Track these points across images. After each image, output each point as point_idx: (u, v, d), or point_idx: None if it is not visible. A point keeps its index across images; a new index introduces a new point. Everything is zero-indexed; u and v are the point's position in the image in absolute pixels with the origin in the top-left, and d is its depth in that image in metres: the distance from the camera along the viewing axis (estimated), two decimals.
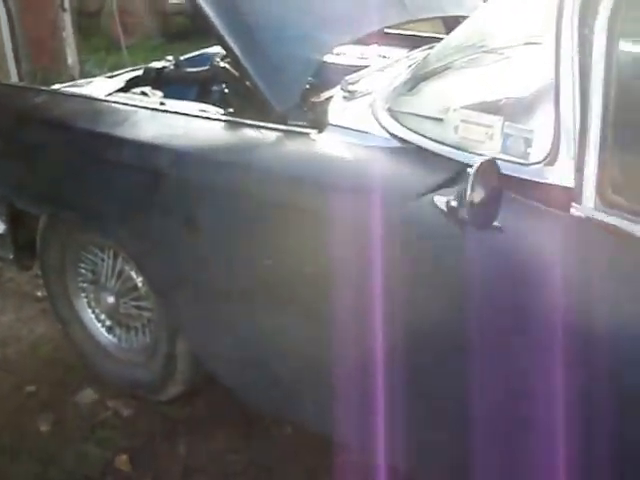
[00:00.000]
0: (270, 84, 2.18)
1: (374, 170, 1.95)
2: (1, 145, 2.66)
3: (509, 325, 1.68)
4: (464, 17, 2.97)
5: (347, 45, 2.77)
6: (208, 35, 2.34)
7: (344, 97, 2.31)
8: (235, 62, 2.27)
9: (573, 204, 1.63)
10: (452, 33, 2.41)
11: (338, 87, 2.38)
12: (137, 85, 2.94)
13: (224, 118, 2.29)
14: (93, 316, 2.88)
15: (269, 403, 2.34)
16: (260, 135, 2.14)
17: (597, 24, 1.59)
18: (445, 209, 1.71)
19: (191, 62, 3.15)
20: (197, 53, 3.28)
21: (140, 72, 3.12)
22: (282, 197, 1.98)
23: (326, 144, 2.06)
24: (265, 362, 2.24)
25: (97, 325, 2.88)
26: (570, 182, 1.65)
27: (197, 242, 2.17)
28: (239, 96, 2.40)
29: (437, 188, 1.80)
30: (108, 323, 2.86)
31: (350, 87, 2.33)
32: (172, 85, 2.96)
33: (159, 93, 2.85)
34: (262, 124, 2.16)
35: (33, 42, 6.06)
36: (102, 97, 2.64)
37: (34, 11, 6.01)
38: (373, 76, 2.45)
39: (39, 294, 3.54)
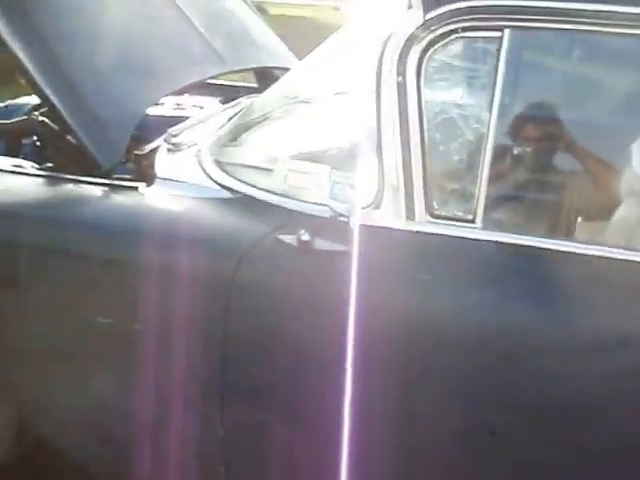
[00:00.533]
0: (94, 139, 2.15)
1: (206, 221, 1.96)
2: None
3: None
4: (278, 68, 3.09)
5: (166, 96, 2.77)
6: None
7: (168, 149, 2.31)
8: (57, 116, 2.20)
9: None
10: (274, 85, 2.48)
11: (161, 139, 2.37)
12: None
13: (45, 174, 2.21)
14: None
15: (103, 463, 2.25)
16: (86, 191, 2.09)
17: (408, 71, 1.72)
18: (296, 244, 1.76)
19: None
20: (5, 104, 3.15)
21: None
22: (113, 253, 1.94)
23: (155, 197, 2.05)
24: (98, 421, 2.17)
25: None
26: (395, 224, 1.76)
27: (23, 304, 2.07)
28: (59, 150, 2.33)
29: (270, 235, 1.84)
30: None
31: (174, 139, 2.33)
32: None
33: None
34: (88, 179, 2.12)
35: None
36: None
37: None
38: (196, 128, 2.46)
39: None
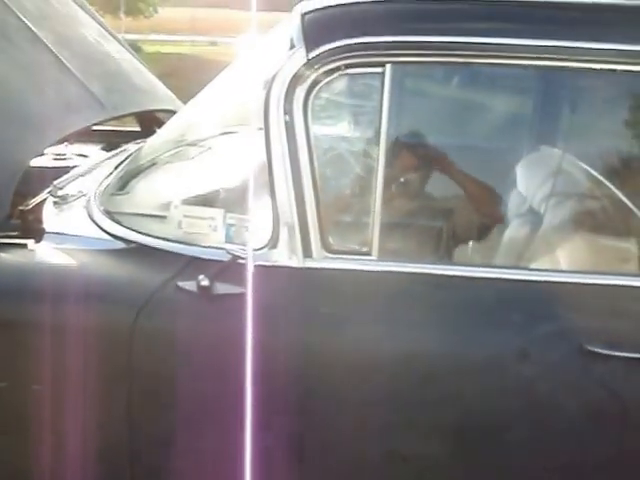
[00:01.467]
0: None
1: (101, 274, 1.92)
2: None
3: None
4: (159, 111, 3.07)
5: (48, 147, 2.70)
6: None
7: (55, 202, 2.25)
8: None
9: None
10: (161, 129, 2.46)
11: (46, 192, 2.31)
12: None
13: None
14: None
15: None
16: None
17: (295, 110, 1.74)
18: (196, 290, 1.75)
19: None
20: None
21: None
22: (5, 314, 1.86)
23: (45, 253, 1.98)
24: None
25: None
26: (292, 262, 1.78)
27: None
28: None
29: (168, 282, 1.82)
30: None
31: (60, 192, 2.28)
32: None
33: None
34: None
35: None
36: None
37: None
38: (82, 178, 2.42)
39: None
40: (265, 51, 2.36)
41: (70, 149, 2.96)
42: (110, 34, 3.48)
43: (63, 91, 2.70)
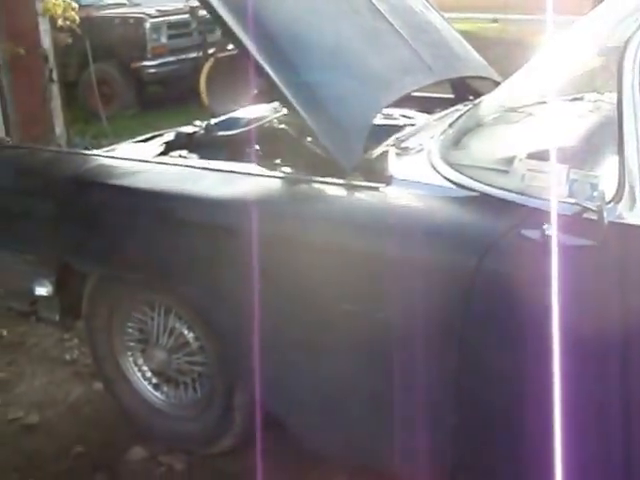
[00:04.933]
0: (336, 144, 2.32)
1: (447, 217, 2.09)
2: (57, 208, 2.72)
3: None
4: (482, 78, 3.20)
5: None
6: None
7: (397, 153, 2.45)
8: (301, 124, 2.39)
9: None
10: (493, 92, 2.59)
11: (385, 145, 2.52)
12: (172, 149, 3.07)
13: (291, 175, 2.40)
14: (140, 374, 2.93)
15: (331, 447, 2.41)
16: (330, 190, 2.26)
17: None
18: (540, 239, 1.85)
19: (219, 126, 3.28)
20: (223, 118, 3.41)
21: (168, 136, 3.26)
22: (359, 245, 2.09)
23: (396, 196, 2.18)
24: (332, 407, 2.32)
25: (144, 383, 2.92)
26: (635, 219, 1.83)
27: (270, 293, 2.25)
28: (298, 155, 2.53)
29: (512, 230, 1.95)
30: (155, 380, 2.91)
31: (402, 144, 2.49)
32: (202, 148, 3.08)
33: (194, 156, 2.98)
34: (331, 180, 2.29)
35: (24, 113, 6.15)
36: (157, 160, 2.75)
37: (25, 82, 6.10)
38: (420, 133, 2.61)
39: (68, 357, 3.57)
40: (599, 20, 2.43)
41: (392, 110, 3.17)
42: (430, 5, 3.66)
43: (398, 55, 2.92)
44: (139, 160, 2.77)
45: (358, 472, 2.60)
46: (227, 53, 8.47)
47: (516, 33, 10.99)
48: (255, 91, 4.20)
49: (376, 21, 2.99)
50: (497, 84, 3.32)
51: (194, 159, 2.81)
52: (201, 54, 8.58)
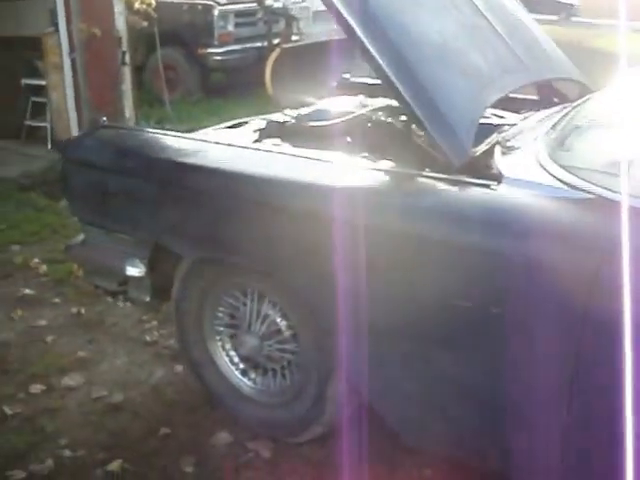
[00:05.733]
0: (446, 139, 2.32)
1: (560, 218, 2.07)
2: (157, 190, 2.76)
3: None
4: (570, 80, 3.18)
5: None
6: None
7: (503, 152, 2.44)
8: (411, 116, 2.40)
9: None
10: (597, 95, 2.58)
11: (486, 142, 2.52)
12: (264, 137, 3.10)
13: (400, 169, 2.40)
14: (227, 359, 2.96)
15: (441, 443, 2.42)
16: (440, 184, 2.27)
17: None
18: None
19: (310, 117, 3.30)
20: (313, 109, 3.43)
21: (257, 124, 3.29)
22: (472, 241, 2.10)
23: (512, 194, 2.17)
24: (444, 402, 2.32)
25: (231, 368, 2.96)
26: None
27: (378, 286, 2.27)
28: (402, 148, 2.54)
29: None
30: (242, 366, 2.94)
31: (508, 143, 2.48)
32: (294, 137, 3.10)
33: (287, 145, 3.00)
34: (440, 175, 2.29)
35: (95, 94, 6.24)
36: (257, 146, 2.78)
37: (98, 63, 6.19)
38: (523, 134, 2.61)
39: (148, 338, 3.62)
40: None
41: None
42: (520, 4, 3.65)
43: (498, 53, 2.90)
44: (239, 146, 2.79)
45: (444, 466, 2.63)
46: (293, 44, 8.52)
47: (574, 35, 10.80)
48: (334, 83, 4.23)
49: (475, 17, 2.97)
50: (585, 87, 3.31)
51: (299, 148, 2.82)
52: (265, 44, 8.62)
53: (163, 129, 3.48)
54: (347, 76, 4.20)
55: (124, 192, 2.86)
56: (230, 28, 8.75)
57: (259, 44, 8.72)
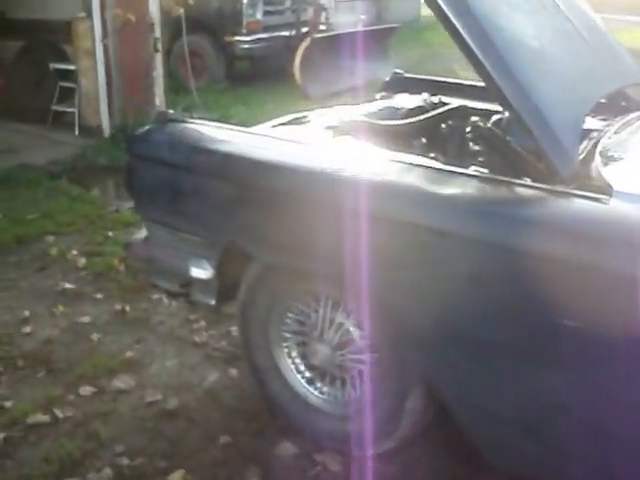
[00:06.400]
0: (554, 148, 2.20)
1: None
2: (233, 190, 2.63)
3: None
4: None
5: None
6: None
7: (604, 163, 2.32)
8: (520, 125, 2.27)
9: None
10: None
11: (584, 151, 2.40)
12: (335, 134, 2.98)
13: (503, 179, 2.26)
14: (293, 367, 2.84)
15: (528, 465, 2.31)
16: (545, 195, 2.14)
17: None
18: None
19: (377, 115, 3.19)
20: (380, 106, 3.32)
21: (321, 120, 3.17)
22: (583, 259, 1.97)
23: (625, 210, 2.05)
24: (536, 422, 2.21)
25: (296, 376, 2.84)
26: None
27: (475, 300, 2.15)
28: (497, 155, 2.42)
29: None
30: (308, 374, 2.82)
31: (609, 153, 2.36)
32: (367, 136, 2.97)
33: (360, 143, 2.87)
34: (546, 186, 2.17)
35: (126, 79, 6.11)
36: (348, 149, 2.66)
37: (130, 49, 6.06)
38: (621, 144, 2.49)
39: (197, 339, 3.50)
40: None
41: None
42: (588, 6, 3.52)
43: (586, 59, 2.78)
44: (321, 146, 2.66)
45: None
46: (323, 34, 8.40)
47: None
48: (387, 78, 4.08)
49: (562, 20, 2.85)
50: None
51: (388, 151, 2.65)
52: (293, 33, 8.49)
53: (192, 117, 3.34)
54: (400, 71, 4.05)
55: (197, 191, 2.72)
56: (258, 16, 8.60)
57: (286, 33, 8.57)
